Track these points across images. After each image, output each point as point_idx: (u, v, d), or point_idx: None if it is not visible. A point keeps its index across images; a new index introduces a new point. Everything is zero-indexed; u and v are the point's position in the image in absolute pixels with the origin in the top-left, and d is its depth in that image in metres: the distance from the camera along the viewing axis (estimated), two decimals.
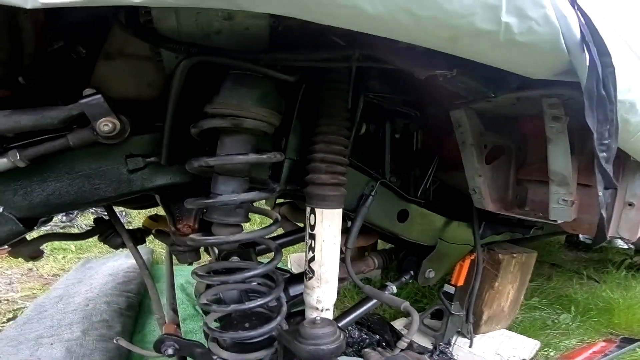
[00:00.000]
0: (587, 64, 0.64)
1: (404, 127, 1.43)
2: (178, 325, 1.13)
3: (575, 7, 0.66)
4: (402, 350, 0.98)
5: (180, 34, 0.73)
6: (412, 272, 1.56)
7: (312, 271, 1.03)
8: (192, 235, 0.81)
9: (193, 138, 0.86)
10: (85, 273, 2.32)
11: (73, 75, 0.88)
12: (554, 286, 2.51)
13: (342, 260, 1.24)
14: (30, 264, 2.52)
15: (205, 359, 0.88)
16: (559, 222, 1.24)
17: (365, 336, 1.88)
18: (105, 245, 1.30)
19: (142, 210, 2.13)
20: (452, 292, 1.77)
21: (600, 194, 0.74)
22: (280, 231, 1.75)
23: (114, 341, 1.31)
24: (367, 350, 1.00)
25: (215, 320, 1.02)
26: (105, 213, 1.17)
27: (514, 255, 1.83)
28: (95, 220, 1.23)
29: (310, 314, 1.08)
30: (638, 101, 0.82)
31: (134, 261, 1.73)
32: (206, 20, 0.71)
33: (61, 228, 3.23)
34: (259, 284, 0.98)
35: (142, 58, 0.87)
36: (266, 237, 0.90)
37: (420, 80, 0.92)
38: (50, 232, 1.83)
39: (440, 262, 1.58)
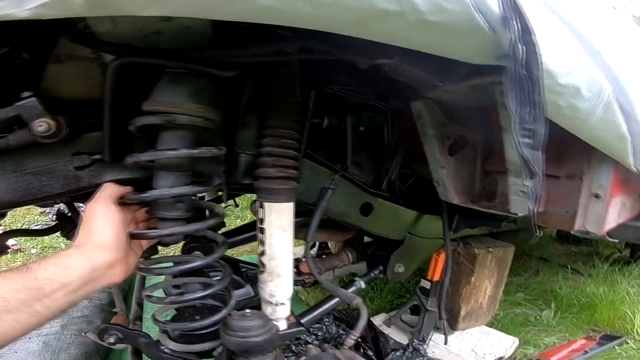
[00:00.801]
0: (510, 43, 0.60)
1: (369, 119, 1.42)
2: (140, 319, 1.15)
3: None
4: (344, 349, 0.98)
5: (117, 37, 0.75)
6: (381, 267, 1.56)
7: (264, 265, 1.04)
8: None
9: (139, 135, 0.88)
10: None
11: (17, 80, 0.90)
12: (540, 281, 2.49)
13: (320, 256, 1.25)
14: (19, 262, 2.57)
15: (149, 349, 0.90)
16: (519, 214, 1.22)
17: (342, 332, 1.90)
18: None
19: None
20: (428, 287, 1.77)
21: (527, 183, 0.73)
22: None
23: (83, 334, 1.33)
24: (309, 346, 1.01)
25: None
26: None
27: (490, 249, 1.82)
28: (58, 217, 1.25)
29: (265, 309, 1.09)
30: (582, 85, 0.79)
31: None
32: (143, 22, 0.72)
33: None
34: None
35: (90, 60, 0.89)
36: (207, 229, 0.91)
37: (384, 72, 0.92)
38: (18, 228, 1.87)
39: (410, 256, 1.58)
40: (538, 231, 0.83)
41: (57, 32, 0.82)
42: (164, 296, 0.95)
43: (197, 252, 1.21)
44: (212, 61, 0.83)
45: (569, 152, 1.25)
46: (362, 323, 1.01)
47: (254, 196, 1.13)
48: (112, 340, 0.89)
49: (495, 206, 1.33)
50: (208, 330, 0.96)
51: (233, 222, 3.63)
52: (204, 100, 0.83)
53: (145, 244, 0.88)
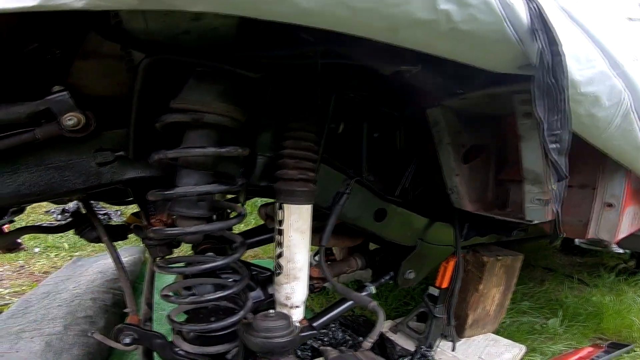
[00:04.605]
0: (537, 53, 0.64)
1: (383, 126, 1.44)
2: (150, 320, 1.14)
3: None
4: (364, 350, 0.98)
5: (148, 35, 0.75)
6: (392, 273, 1.55)
7: (280, 267, 1.04)
8: (153, 228, 0.82)
9: (163, 133, 0.89)
10: (75, 270, 2.34)
11: (48, 75, 0.91)
12: (546, 290, 2.49)
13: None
14: (22, 262, 2.55)
15: (163, 350, 0.89)
16: (535, 222, 1.23)
17: (348, 337, 1.88)
18: (98, 244, 1.32)
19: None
20: (436, 295, 1.76)
21: (553, 187, 0.74)
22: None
23: (89, 334, 1.32)
24: (326, 347, 1.00)
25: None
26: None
27: (499, 258, 1.82)
28: (72, 214, 1.25)
29: (279, 311, 1.08)
30: (602, 94, 0.81)
31: (124, 259, 1.74)
32: (174, 21, 0.73)
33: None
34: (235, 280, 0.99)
35: (116, 57, 0.89)
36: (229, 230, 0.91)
37: (399, 78, 0.93)
38: (32, 224, 1.86)
39: (421, 263, 1.58)
40: (561, 233, 0.84)
41: (89, 27, 0.83)
42: (181, 296, 0.94)
43: (210, 253, 1.21)
44: (239, 62, 0.84)
45: (582, 162, 1.26)
46: (379, 326, 1.01)
47: (258, 201, 1.13)
48: (127, 340, 0.88)
49: (508, 214, 1.34)
50: (223, 332, 0.95)
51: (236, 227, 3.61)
52: (231, 100, 0.83)
53: None
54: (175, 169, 0.89)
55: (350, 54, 0.86)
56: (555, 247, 3.27)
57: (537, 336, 2.00)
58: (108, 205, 3.27)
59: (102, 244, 1.35)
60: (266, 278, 1.36)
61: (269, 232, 1.54)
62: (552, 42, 0.64)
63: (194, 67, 0.84)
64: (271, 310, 0.85)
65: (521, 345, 1.89)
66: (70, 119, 0.79)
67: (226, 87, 0.83)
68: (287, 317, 0.82)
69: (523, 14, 0.63)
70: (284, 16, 0.57)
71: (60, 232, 1.27)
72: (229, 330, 0.94)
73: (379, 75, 1.00)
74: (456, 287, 1.60)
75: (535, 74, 0.65)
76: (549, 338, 2.00)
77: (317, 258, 1.31)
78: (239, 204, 1.12)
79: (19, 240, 1.21)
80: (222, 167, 1.00)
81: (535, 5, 0.65)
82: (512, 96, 0.99)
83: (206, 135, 0.83)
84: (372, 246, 1.95)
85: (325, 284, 1.61)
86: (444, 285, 1.72)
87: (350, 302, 1.41)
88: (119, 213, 3.38)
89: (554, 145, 0.69)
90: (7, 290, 2.24)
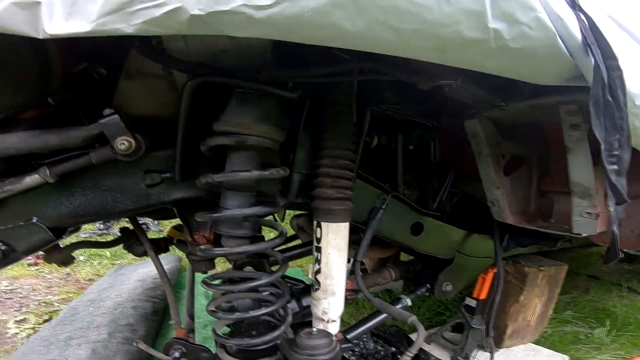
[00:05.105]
0: (592, 69, 0.61)
1: (418, 138, 1.43)
2: (193, 331, 1.18)
3: (576, 9, 0.63)
4: None
5: (188, 54, 0.77)
6: (428, 285, 1.54)
7: (319, 283, 1.05)
8: (202, 247, 0.85)
9: (206, 155, 0.91)
10: (117, 279, 2.45)
11: (96, 95, 0.94)
12: (591, 299, 2.38)
13: (353, 272, 1.25)
14: (68, 269, 2.70)
15: None
16: (583, 235, 1.18)
17: (380, 348, 1.87)
18: None
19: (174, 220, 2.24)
20: (474, 306, 1.73)
21: (611, 209, 0.71)
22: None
23: (134, 344, 1.38)
24: None
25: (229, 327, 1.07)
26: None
27: (542, 268, 1.77)
28: (121, 230, 1.31)
29: (317, 325, 1.10)
30: None
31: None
32: (211, 40, 0.74)
33: (98, 235, 3.44)
34: (271, 294, 1.01)
35: (158, 77, 0.92)
36: (272, 248, 0.93)
37: (437, 92, 0.92)
38: (84, 239, 1.96)
39: (459, 275, 1.55)
40: (620, 253, 0.81)
41: (130, 46, 0.86)
42: (227, 312, 0.96)
43: (248, 268, 1.24)
44: (276, 82, 0.84)
45: (634, 172, 1.20)
46: (420, 341, 1.00)
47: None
48: (177, 354, 0.91)
49: (551, 225, 1.29)
50: (265, 346, 0.97)
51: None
52: (272, 120, 0.85)
53: None
54: (216, 188, 0.92)
55: (388, 70, 0.85)
56: (599, 253, 3.11)
57: (581, 346, 1.92)
58: None
59: None
60: (300, 290, 1.38)
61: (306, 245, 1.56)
62: (608, 56, 0.61)
63: (232, 87, 0.85)
64: (314, 328, 0.86)
65: (564, 355, 1.83)
66: (123, 144, 0.80)
67: (266, 107, 0.84)
68: (329, 335, 0.83)
69: (575, 27, 0.61)
70: (329, 40, 0.57)
71: (110, 247, 1.34)
72: (270, 344, 0.96)
73: (415, 88, 0.99)
74: (496, 299, 1.57)
75: (591, 91, 0.62)
76: (595, 348, 1.91)
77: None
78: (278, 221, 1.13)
79: (72, 254, 1.28)
80: (262, 186, 1.02)
81: (586, 18, 0.63)
82: (557, 107, 0.96)
83: (249, 157, 0.85)
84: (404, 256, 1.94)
85: (358, 296, 1.62)
86: (482, 296, 1.69)
87: (385, 315, 1.41)
88: (156, 222, 3.51)
89: (613, 167, 0.66)
90: (55, 297, 2.37)
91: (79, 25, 0.56)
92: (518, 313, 1.82)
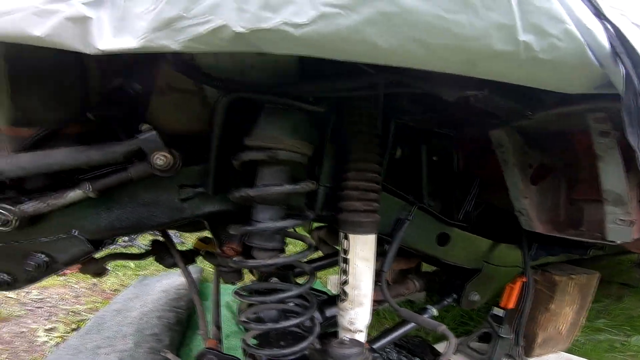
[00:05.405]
0: (623, 77, 0.61)
1: (441, 148, 1.43)
2: (220, 341, 1.20)
3: (602, 18, 0.63)
4: None
5: (218, 69, 0.80)
6: (454, 295, 1.52)
7: (346, 294, 1.06)
8: (234, 259, 0.87)
9: (236, 168, 0.94)
10: (142, 289, 2.50)
11: (132, 110, 0.97)
12: (624, 307, 2.31)
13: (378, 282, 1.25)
14: (95, 279, 2.77)
15: None
16: (618, 242, 1.16)
17: (404, 358, 1.85)
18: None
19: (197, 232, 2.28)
20: (501, 315, 1.71)
21: None
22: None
23: (161, 354, 1.41)
24: None
25: (255, 338, 1.08)
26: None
27: (572, 276, 1.74)
28: (152, 242, 1.35)
29: (344, 336, 1.10)
30: None
31: (184, 279, 1.84)
32: (241, 56, 0.77)
33: (124, 247, 3.51)
34: (296, 304, 1.02)
35: (190, 92, 0.94)
36: (302, 260, 0.95)
37: (462, 102, 0.92)
38: (115, 251, 2.02)
39: (486, 285, 1.54)
40: None
41: (162, 61, 0.88)
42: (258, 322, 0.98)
43: (274, 279, 1.25)
44: (303, 96, 0.86)
45: None
46: (450, 351, 0.99)
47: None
48: None
49: (582, 234, 1.26)
50: (294, 357, 0.98)
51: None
52: (301, 135, 0.87)
53: None
54: (247, 202, 0.94)
55: (414, 82, 0.86)
56: (631, 260, 3.00)
57: (617, 354, 1.87)
58: None
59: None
60: (324, 301, 1.38)
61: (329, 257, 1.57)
62: (639, 64, 0.61)
63: (262, 102, 0.87)
64: (345, 337, 0.87)
65: None
66: (160, 159, 0.83)
67: (295, 122, 0.86)
68: (360, 344, 0.83)
69: (602, 37, 0.61)
70: (362, 57, 0.58)
71: (142, 259, 1.38)
72: (299, 355, 0.97)
73: (440, 99, 1.00)
74: (526, 308, 1.54)
75: (624, 100, 0.62)
76: (632, 356, 1.85)
77: None
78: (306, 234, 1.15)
79: (105, 266, 1.33)
80: (290, 200, 1.04)
81: (612, 27, 0.63)
82: (583, 115, 0.96)
83: (280, 171, 0.87)
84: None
85: (380, 307, 1.61)
86: (510, 305, 1.67)
87: (411, 325, 1.40)
88: (178, 234, 3.58)
89: None
90: (83, 307, 2.43)
91: (127, 41, 0.56)
92: (548, 322, 1.79)
